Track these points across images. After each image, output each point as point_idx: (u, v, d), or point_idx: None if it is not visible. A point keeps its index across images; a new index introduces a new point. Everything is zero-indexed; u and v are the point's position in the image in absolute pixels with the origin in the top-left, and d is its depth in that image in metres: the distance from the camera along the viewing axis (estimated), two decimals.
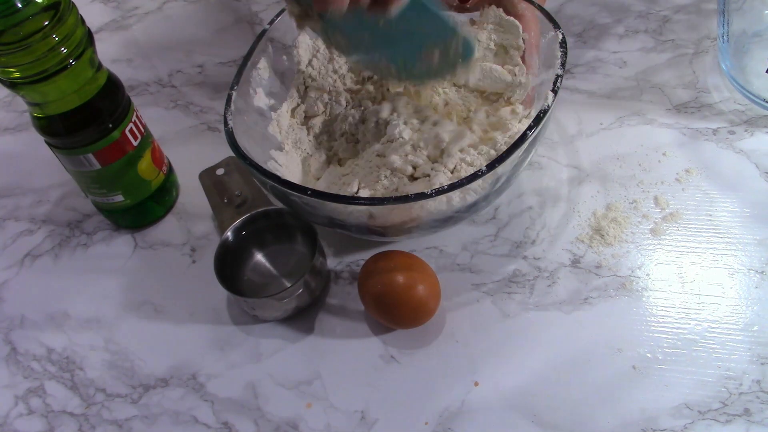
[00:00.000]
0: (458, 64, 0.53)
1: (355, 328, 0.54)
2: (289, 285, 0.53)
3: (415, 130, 0.55)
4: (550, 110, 0.47)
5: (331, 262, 0.58)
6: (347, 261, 0.58)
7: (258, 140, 0.55)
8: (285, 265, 0.57)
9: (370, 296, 0.51)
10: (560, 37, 0.52)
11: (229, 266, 0.55)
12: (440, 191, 0.45)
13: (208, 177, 0.61)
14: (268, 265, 0.58)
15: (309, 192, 0.46)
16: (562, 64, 0.50)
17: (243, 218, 0.56)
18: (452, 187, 0.45)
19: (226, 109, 0.52)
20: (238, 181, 0.60)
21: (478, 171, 0.45)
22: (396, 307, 0.50)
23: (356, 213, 0.48)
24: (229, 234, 0.56)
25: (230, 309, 0.56)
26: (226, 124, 0.51)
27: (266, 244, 0.58)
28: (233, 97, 0.53)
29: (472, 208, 0.50)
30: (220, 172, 0.61)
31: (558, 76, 0.49)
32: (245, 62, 0.55)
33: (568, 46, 0.51)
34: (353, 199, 0.47)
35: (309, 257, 0.54)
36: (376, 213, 0.47)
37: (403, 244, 0.57)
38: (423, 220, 0.49)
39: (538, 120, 0.47)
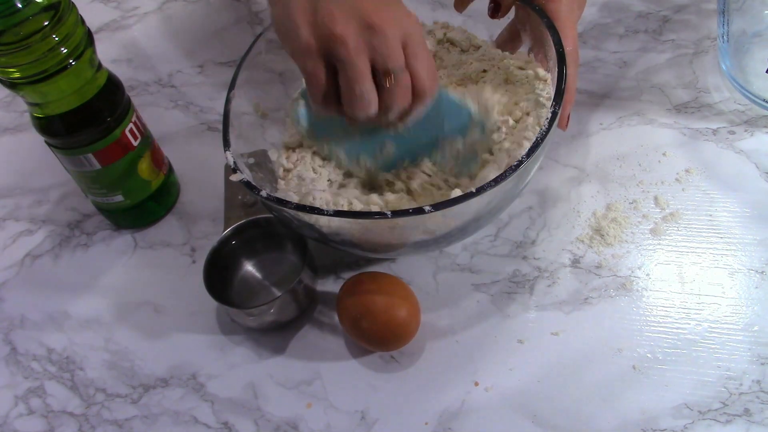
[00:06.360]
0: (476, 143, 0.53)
1: None
2: (280, 293, 0.52)
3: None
4: (548, 136, 0.46)
5: (331, 262, 0.58)
6: (347, 261, 0.58)
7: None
8: (275, 274, 0.57)
9: (348, 318, 0.50)
10: (563, 71, 0.49)
11: (219, 276, 0.55)
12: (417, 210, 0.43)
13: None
14: (257, 274, 0.57)
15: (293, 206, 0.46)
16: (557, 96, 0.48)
17: (232, 228, 0.55)
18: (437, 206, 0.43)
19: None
20: None
21: (469, 192, 0.44)
22: (374, 329, 0.50)
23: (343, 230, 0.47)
24: (217, 244, 0.55)
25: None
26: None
27: (256, 253, 0.57)
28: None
29: (455, 234, 0.49)
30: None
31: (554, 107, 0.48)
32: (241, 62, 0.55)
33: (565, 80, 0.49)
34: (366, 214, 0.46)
35: (299, 266, 0.54)
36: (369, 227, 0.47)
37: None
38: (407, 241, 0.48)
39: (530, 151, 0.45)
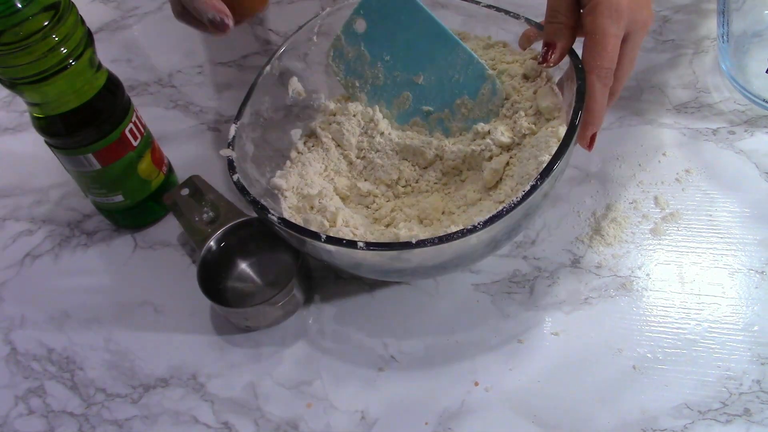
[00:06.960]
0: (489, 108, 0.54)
1: (354, 327, 0.54)
2: (276, 292, 0.52)
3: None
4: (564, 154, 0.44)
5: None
6: None
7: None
8: (270, 274, 0.57)
9: None
10: (577, 84, 0.47)
11: (214, 276, 0.55)
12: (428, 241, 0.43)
13: (173, 199, 0.59)
14: (252, 274, 0.57)
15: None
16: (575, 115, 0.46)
17: (224, 229, 0.55)
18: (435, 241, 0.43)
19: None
20: (205, 199, 0.58)
21: (472, 226, 0.43)
22: None
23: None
24: (212, 244, 0.55)
25: None
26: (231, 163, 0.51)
27: (251, 253, 0.57)
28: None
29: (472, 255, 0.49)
30: (184, 192, 0.59)
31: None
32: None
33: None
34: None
35: (294, 265, 0.54)
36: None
37: None
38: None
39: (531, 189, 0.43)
